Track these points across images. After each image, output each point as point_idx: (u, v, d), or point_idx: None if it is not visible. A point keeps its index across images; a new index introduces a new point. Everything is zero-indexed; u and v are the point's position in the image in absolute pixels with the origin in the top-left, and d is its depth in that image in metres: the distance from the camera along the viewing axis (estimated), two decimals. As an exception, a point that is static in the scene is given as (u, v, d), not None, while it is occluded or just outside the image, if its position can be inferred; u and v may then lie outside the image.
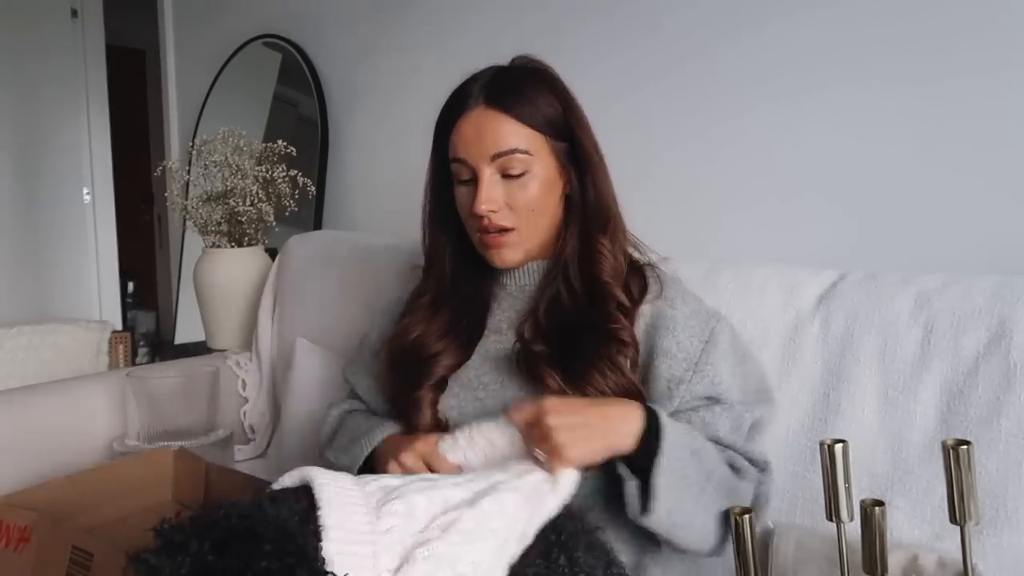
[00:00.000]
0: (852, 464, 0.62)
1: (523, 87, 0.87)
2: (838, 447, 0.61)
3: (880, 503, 0.60)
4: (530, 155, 0.86)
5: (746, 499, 0.83)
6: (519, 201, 0.86)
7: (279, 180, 1.67)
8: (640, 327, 0.88)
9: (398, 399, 0.93)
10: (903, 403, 0.90)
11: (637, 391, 0.84)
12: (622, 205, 0.95)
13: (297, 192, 1.70)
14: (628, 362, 0.84)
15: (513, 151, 0.85)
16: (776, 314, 1.01)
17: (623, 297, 0.87)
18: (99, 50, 3.00)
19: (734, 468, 0.84)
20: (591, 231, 0.89)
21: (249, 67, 2.15)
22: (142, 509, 1.02)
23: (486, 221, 0.86)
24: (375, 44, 1.83)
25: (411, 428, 0.90)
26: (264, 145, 1.71)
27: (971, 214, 1.07)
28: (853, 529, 0.62)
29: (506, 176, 0.86)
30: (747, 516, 0.62)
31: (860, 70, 1.15)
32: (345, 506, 0.61)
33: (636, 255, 0.96)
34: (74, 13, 2.92)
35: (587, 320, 0.85)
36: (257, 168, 1.68)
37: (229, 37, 2.17)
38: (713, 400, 0.86)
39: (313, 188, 1.75)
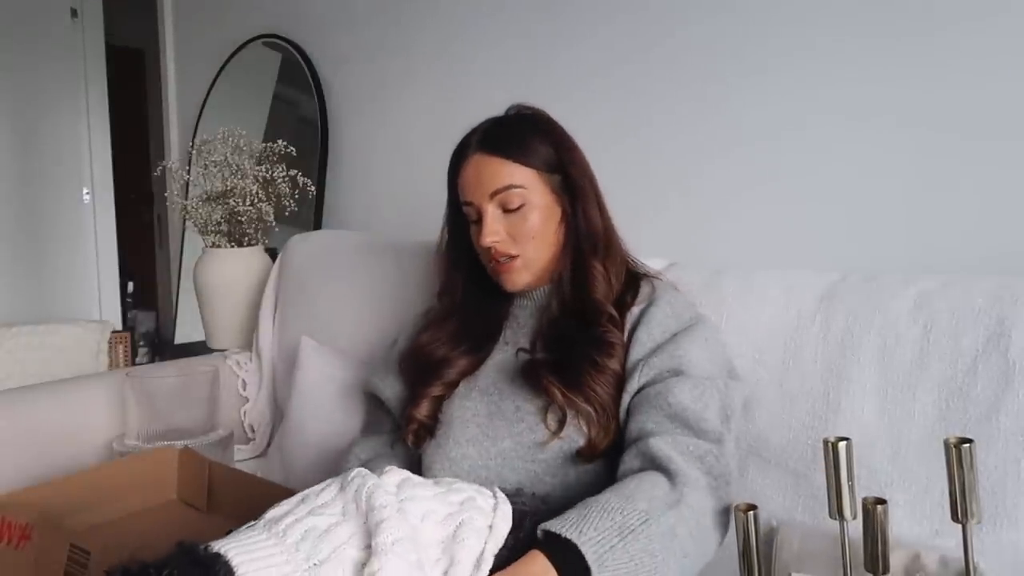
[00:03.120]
0: (855, 462, 0.62)
1: (514, 132, 0.98)
2: (841, 445, 0.61)
3: (882, 501, 0.60)
4: (524, 188, 0.95)
5: (694, 511, 0.77)
6: (519, 230, 0.95)
7: (279, 180, 1.67)
8: (627, 328, 0.94)
9: (409, 396, 1.01)
10: (903, 401, 0.91)
11: (622, 383, 0.90)
12: (624, 210, 1.01)
13: (297, 192, 1.70)
14: (616, 361, 0.91)
15: (508, 187, 0.94)
16: (777, 315, 1.02)
17: (613, 311, 0.94)
18: (99, 50, 3.00)
19: (668, 474, 0.79)
20: (584, 254, 0.97)
21: (249, 67, 2.15)
22: (148, 507, 1.02)
23: (493, 251, 0.96)
24: (376, 45, 1.83)
25: (408, 418, 0.98)
26: (264, 145, 1.72)
27: (971, 214, 1.07)
28: (855, 527, 0.62)
29: (507, 210, 0.95)
30: (751, 513, 0.62)
31: (860, 71, 1.15)
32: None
33: (635, 268, 1.03)
34: (74, 13, 2.91)
35: (579, 331, 0.93)
36: (257, 168, 1.68)
37: (229, 37, 2.17)
38: (674, 373, 0.88)
39: (313, 188, 1.75)
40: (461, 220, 1.02)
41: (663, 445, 0.82)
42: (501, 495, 0.78)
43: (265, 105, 2.10)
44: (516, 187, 0.94)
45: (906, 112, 1.12)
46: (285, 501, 0.71)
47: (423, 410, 0.97)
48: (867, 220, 1.16)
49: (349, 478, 0.73)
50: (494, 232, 0.95)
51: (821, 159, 1.20)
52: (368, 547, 0.65)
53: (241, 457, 1.46)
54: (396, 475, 0.76)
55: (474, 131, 1.00)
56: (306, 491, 0.73)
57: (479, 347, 1.00)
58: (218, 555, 0.62)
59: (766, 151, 1.25)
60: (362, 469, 0.77)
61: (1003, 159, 1.05)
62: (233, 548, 0.63)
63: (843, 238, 1.18)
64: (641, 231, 1.04)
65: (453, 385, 0.98)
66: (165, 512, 1.06)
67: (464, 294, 1.05)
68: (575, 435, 0.89)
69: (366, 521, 0.67)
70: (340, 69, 1.92)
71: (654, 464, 0.81)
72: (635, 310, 0.95)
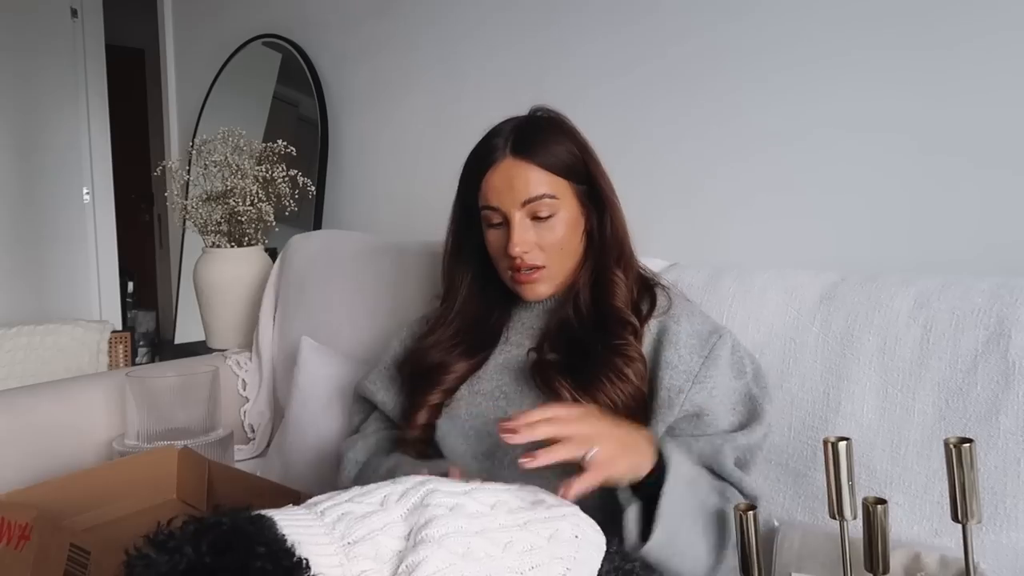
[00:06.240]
0: (855, 462, 0.62)
1: (545, 137, 0.94)
2: (842, 445, 0.61)
3: (882, 501, 0.60)
4: (556, 199, 0.93)
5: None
6: (548, 241, 0.93)
7: (279, 180, 1.67)
8: (647, 342, 0.92)
9: (407, 404, 0.99)
10: (902, 401, 0.91)
11: (644, 399, 0.89)
12: (628, 212, 1.00)
13: (297, 192, 1.70)
14: (634, 374, 0.89)
15: (541, 196, 0.92)
16: (777, 315, 1.02)
17: (632, 318, 0.92)
18: (99, 50, 3.00)
19: (724, 498, 0.84)
20: (607, 264, 0.96)
21: (249, 67, 2.15)
22: (147, 507, 1.02)
23: (519, 261, 0.93)
24: (375, 44, 1.83)
25: (410, 430, 0.96)
26: (264, 145, 1.72)
27: (971, 214, 1.07)
28: (855, 527, 0.62)
29: (535, 219, 0.93)
30: (751, 513, 0.62)
31: (861, 71, 1.15)
32: (312, 542, 0.61)
33: (648, 274, 1.01)
34: (74, 13, 2.92)
35: (595, 337, 0.91)
36: (257, 168, 1.68)
37: (229, 37, 2.17)
38: (708, 416, 0.88)
39: (313, 188, 1.75)
40: (470, 220, 0.99)
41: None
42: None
43: (265, 105, 2.10)
44: (548, 197, 0.92)
45: (907, 116, 1.12)
46: (326, 494, 0.72)
47: (422, 419, 0.95)
48: (868, 222, 1.16)
49: (404, 478, 0.73)
50: (523, 242, 0.92)
51: (823, 163, 1.20)
52: (406, 538, 0.65)
53: (241, 457, 1.46)
54: (462, 484, 0.75)
55: (497, 132, 0.96)
56: (350, 488, 0.74)
57: (478, 349, 0.98)
58: (262, 516, 0.62)
59: (768, 156, 1.25)
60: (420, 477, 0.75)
61: (1003, 161, 1.05)
62: (276, 515, 0.63)
63: (844, 240, 1.18)
64: (644, 233, 1.03)
65: (452, 391, 0.96)
66: (165, 512, 1.06)
67: (467, 296, 1.03)
68: None
69: (407, 515, 0.66)
70: (340, 69, 1.92)
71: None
72: (653, 323, 0.93)
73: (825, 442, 0.61)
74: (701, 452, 0.87)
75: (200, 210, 1.68)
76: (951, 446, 0.59)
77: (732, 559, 0.78)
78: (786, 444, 0.96)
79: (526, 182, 0.92)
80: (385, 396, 1.06)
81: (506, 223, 0.93)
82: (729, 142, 1.29)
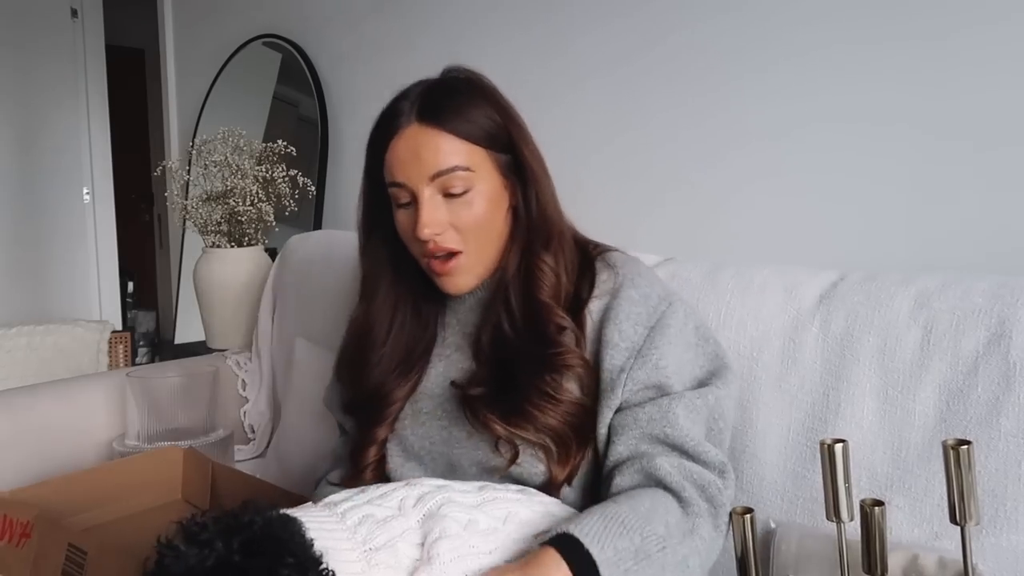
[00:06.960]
0: (852, 464, 0.62)
1: (457, 99, 0.83)
2: (838, 447, 0.61)
3: (880, 503, 0.60)
4: (471, 171, 0.81)
5: (705, 542, 0.74)
6: (464, 220, 0.81)
7: (279, 180, 1.67)
8: (589, 325, 0.83)
9: (356, 438, 0.92)
10: (903, 403, 0.90)
11: (581, 410, 0.81)
12: (624, 206, 0.95)
13: (297, 192, 1.70)
14: (575, 384, 0.81)
15: (453, 169, 0.80)
16: (776, 314, 1.01)
17: (563, 319, 0.82)
18: (99, 50, 3.01)
19: (680, 501, 0.75)
20: (533, 248, 0.85)
21: (249, 67, 2.15)
22: (151, 507, 1.02)
23: (431, 245, 0.82)
24: (375, 44, 1.83)
25: (357, 464, 0.89)
26: (264, 145, 1.72)
27: (971, 214, 1.07)
28: (853, 529, 0.62)
29: (448, 195, 0.80)
30: (748, 516, 0.62)
31: (861, 69, 1.15)
32: (336, 548, 0.62)
33: (590, 247, 0.91)
34: (74, 13, 2.92)
35: (527, 349, 0.82)
36: (257, 168, 1.68)
37: (229, 37, 2.18)
38: (660, 390, 0.80)
39: (313, 188, 1.75)
40: (380, 199, 0.86)
41: (671, 469, 0.76)
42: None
43: (265, 105, 2.11)
44: (462, 169, 0.79)
45: (907, 112, 1.12)
46: (344, 491, 0.73)
47: (372, 455, 0.88)
48: (867, 219, 1.16)
49: (418, 481, 0.74)
50: (433, 222, 0.79)
51: (821, 158, 1.20)
52: (420, 545, 0.66)
53: (241, 457, 1.46)
54: (474, 485, 0.76)
55: (403, 95, 0.83)
56: (367, 487, 0.74)
57: (416, 359, 0.89)
58: (292, 519, 0.62)
59: (766, 150, 1.25)
60: (438, 481, 0.74)
61: (1004, 159, 1.05)
62: (303, 516, 0.64)
63: (843, 237, 1.18)
64: (640, 227, 1.02)
65: (396, 419, 0.88)
66: (168, 512, 1.06)
67: (387, 290, 0.90)
68: (533, 461, 0.80)
69: (422, 521, 0.68)
70: (340, 69, 1.92)
71: (662, 487, 0.76)
72: (594, 306, 0.83)
73: (821, 444, 0.61)
74: (650, 418, 0.78)
75: (200, 210, 1.68)
76: (949, 448, 0.59)
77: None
78: (784, 445, 0.96)
79: (435, 152, 0.79)
80: (343, 417, 0.99)
81: (414, 201, 0.81)
82: (727, 139, 1.29)
